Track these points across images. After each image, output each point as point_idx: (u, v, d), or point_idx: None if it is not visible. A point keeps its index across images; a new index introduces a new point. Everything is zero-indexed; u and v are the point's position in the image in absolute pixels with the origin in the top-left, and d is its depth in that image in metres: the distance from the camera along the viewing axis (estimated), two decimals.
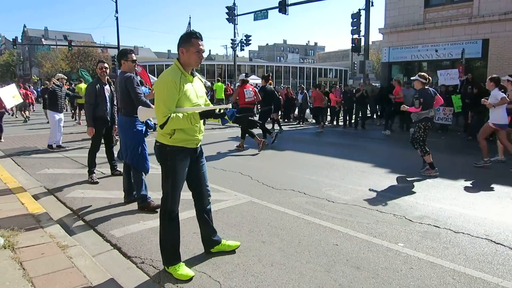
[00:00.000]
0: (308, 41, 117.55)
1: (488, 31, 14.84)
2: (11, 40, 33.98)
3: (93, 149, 6.22)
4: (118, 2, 29.98)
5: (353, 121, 15.63)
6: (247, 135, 9.39)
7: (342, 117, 16.41)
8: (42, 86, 23.64)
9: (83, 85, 15.70)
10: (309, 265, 3.36)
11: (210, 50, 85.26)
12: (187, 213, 4.42)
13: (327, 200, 5.24)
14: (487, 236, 4.00)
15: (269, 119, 12.42)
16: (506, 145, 7.38)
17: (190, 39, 2.97)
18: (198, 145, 3.21)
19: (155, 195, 5.16)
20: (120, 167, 6.51)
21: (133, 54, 4.91)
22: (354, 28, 19.33)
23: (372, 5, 18.77)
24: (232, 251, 3.57)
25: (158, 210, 4.67)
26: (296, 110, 18.53)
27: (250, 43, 28.89)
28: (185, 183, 3.26)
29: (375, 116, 17.52)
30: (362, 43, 19.38)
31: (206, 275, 3.18)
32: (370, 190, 5.81)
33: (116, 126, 5.87)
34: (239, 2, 26.09)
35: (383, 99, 14.61)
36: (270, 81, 11.19)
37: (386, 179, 6.56)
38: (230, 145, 10.10)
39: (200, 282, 3.07)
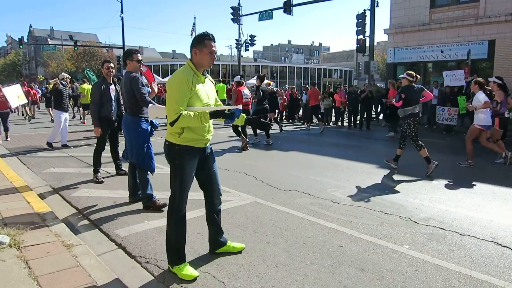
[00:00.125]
0: (313, 42, 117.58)
1: (494, 32, 14.75)
2: (17, 39, 34.17)
3: (99, 149, 6.25)
4: (123, 2, 30.12)
5: (357, 122, 15.59)
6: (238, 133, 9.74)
7: (346, 118, 16.38)
8: (47, 85, 23.73)
9: (86, 86, 15.79)
10: (313, 266, 3.35)
11: None
12: (192, 213, 4.43)
13: (331, 201, 5.23)
14: (493, 239, 3.97)
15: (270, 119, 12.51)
16: (487, 145, 7.76)
17: (203, 40, 3.01)
18: (207, 145, 3.23)
19: (160, 195, 5.18)
20: (125, 166, 6.55)
21: (138, 54, 4.91)
22: (359, 28, 19.29)
23: (377, 5, 18.75)
24: (237, 252, 3.57)
25: (164, 209, 4.74)
26: (301, 110, 18.52)
27: (255, 44, 28.93)
28: (195, 183, 3.27)
29: (380, 117, 17.47)
30: (367, 44, 19.33)
31: (211, 275, 3.17)
32: (375, 191, 5.79)
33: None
34: (244, 2, 26.22)
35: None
36: (269, 82, 11.45)
37: (391, 180, 6.53)
38: (234, 145, 10.10)
39: (205, 282, 3.07)
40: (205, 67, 3.11)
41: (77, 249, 3.49)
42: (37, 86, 28.30)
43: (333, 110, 16.92)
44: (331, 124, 16.92)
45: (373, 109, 16.96)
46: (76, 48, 39.46)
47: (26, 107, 18.08)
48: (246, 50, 30.10)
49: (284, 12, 22.62)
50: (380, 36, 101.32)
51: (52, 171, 7.00)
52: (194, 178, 3.26)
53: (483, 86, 7.64)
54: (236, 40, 29.19)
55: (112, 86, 6.16)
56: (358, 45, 19.57)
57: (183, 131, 2.99)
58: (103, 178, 6.27)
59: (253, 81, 29.08)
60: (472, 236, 4.04)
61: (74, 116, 18.21)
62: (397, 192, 5.77)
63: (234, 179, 6.43)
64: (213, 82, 3.36)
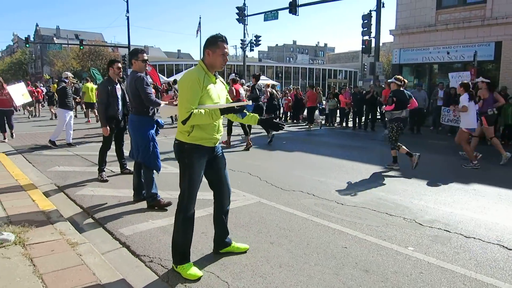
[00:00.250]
0: (318, 42, 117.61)
1: (501, 33, 14.63)
2: (24, 38, 34.39)
3: (105, 148, 6.28)
4: (129, 1, 30.23)
5: (362, 122, 15.55)
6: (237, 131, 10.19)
7: (351, 119, 16.33)
8: (49, 86, 23.91)
9: (89, 84, 15.87)
10: (317, 267, 3.34)
11: None
12: (196, 213, 4.34)
13: (336, 202, 5.21)
14: (498, 242, 3.94)
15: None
16: (465, 147, 7.98)
17: (217, 42, 3.04)
18: (216, 144, 3.25)
19: (164, 194, 5.19)
20: (129, 165, 6.57)
21: (144, 54, 4.92)
22: (364, 29, 19.22)
23: (383, 6, 18.66)
24: (241, 253, 3.57)
25: (168, 208, 4.75)
26: (305, 111, 18.48)
27: (260, 44, 28.95)
28: (205, 184, 3.29)
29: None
30: (373, 45, 19.26)
31: (215, 275, 3.17)
32: (379, 192, 5.76)
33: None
34: (249, 2, 26.20)
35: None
36: (268, 84, 11.85)
37: (396, 181, 6.51)
38: (238, 145, 10.10)
39: (208, 282, 3.07)
40: (217, 68, 3.14)
41: (81, 247, 3.50)
42: (42, 85, 28.46)
43: (338, 111, 16.89)
44: (335, 124, 16.90)
45: (378, 110, 16.90)
46: (82, 47, 39.61)
47: (27, 106, 18.17)
48: (251, 50, 30.13)
49: (290, 12, 22.60)
50: (386, 37, 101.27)
51: (57, 169, 7.03)
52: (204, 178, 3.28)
53: (469, 89, 7.93)
54: (241, 40, 29.18)
55: (118, 86, 6.19)
56: (364, 46, 19.51)
57: (192, 130, 3.01)
58: (107, 177, 6.29)
59: (261, 82, 29.13)
60: (478, 239, 4.01)
61: (76, 116, 18.31)
62: (402, 193, 5.74)
63: (238, 179, 6.43)
64: (224, 83, 3.39)
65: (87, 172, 6.78)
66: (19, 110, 17.99)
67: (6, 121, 10.57)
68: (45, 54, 66.62)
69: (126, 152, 6.71)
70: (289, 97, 18.52)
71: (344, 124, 16.50)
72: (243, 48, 30.05)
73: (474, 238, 4.04)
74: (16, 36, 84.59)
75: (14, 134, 10.74)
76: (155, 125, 5.01)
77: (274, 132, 10.49)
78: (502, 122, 10.83)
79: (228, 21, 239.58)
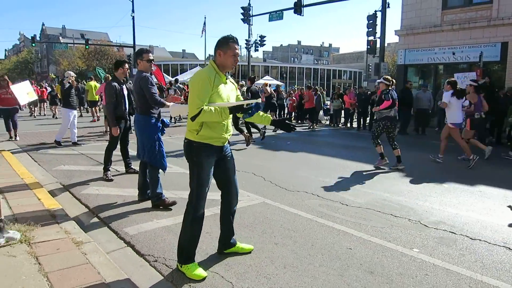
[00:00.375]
0: (323, 42, 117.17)
1: (508, 34, 14.53)
2: (30, 37, 34.59)
3: (111, 147, 6.30)
4: (134, 1, 30.32)
5: (367, 123, 15.49)
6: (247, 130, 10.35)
7: (356, 119, 16.28)
8: (55, 85, 24.04)
9: (93, 83, 15.93)
10: (322, 268, 3.33)
11: None
12: None
13: (340, 203, 5.20)
14: (505, 244, 3.91)
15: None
16: (460, 143, 8.14)
17: (228, 42, 3.08)
18: (225, 144, 3.26)
19: (169, 193, 5.20)
20: (134, 165, 6.59)
21: (149, 54, 4.92)
22: (369, 29, 19.16)
23: (388, 6, 18.58)
24: (245, 253, 3.57)
25: (173, 207, 4.76)
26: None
27: (265, 44, 28.92)
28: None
29: None
30: (378, 45, 19.20)
31: (219, 275, 3.17)
32: (384, 193, 5.74)
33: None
34: (254, 2, 26.19)
35: (399, 102, 14.46)
36: (266, 83, 12.05)
37: (401, 183, 6.48)
38: (242, 145, 10.10)
39: (213, 282, 3.07)
40: (228, 69, 3.18)
41: (86, 246, 3.51)
42: (47, 84, 28.61)
43: (343, 111, 16.85)
44: (340, 125, 16.85)
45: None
46: (87, 47, 39.78)
47: (31, 105, 18.26)
48: (256, 50, 30.14)
49: (295, 12, 22.57)
50: (391, 38, 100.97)
51: (63, 168, 7.06)
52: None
53: (455, 87, 8.18)
54: (246, 40, 29.19)
55: (124, 86, 6.22)
56: (369, 46, 19.44)
57: (201, 129, 3.03)
58: (112, 176, 6.31)
59: (263, 81, 29.07)
60: (483, 241, 3.99)
61: (81, 115, 18.41)
62: (407, 195, 5.72)
63: (242, 179, 6.42)
64: (235, 84, 3.40)
65: (92, 171, 6.81)
66: (24, 109, 18.12)
67: (10, 120, 10.50)
68: (51, 54, 67.00)
69: (131, 152, 6.74)
70: (294, 98, 18.50)
71: (348, 125, 16.46)
72: (248, 48, 30.04)
73: (480, 240, 4.01)
74: (22, 35, 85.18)
75: (18, 136, 10.52)
76: (161, 125, 5.01)
77: (270, 132, 10.69)
78: (508, 123, 10.75)
79: (233, 21, 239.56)
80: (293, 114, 19.04)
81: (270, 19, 24.96)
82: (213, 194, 3.80)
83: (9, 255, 3.27)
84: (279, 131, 13.31)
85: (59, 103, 18.10)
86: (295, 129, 3.45)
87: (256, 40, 28.74)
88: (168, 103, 5.06)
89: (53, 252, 3.37)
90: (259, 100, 3.13)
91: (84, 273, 3.01)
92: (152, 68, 5.77)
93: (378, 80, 8.10)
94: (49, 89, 24.03)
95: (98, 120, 15.78)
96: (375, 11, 18.93)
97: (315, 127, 15.53)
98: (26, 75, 63.31)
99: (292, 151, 9.70)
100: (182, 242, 3.18)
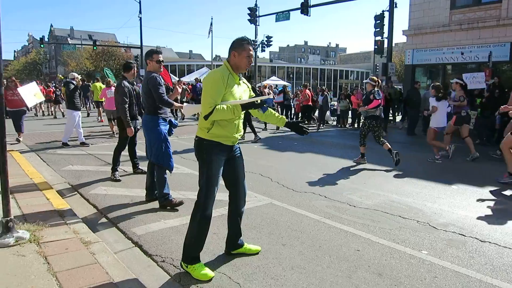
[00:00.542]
0: (330, 43, 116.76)
1: None
2: (39, 39, 34.86)
3: (120, 147, 6.34)
4: (141, 2, 30.46)
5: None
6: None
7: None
8: (61, 87, 24.27)
9: (98, 84, 16.07)
10: (329, 270, 3.32)
11: None
12: None
13: (348, 204, 5.17)
14: None
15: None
16: (431, 143, 8.55)
17: (243, 44, 3.13)
18: (235, 144, 3.28)
19: (176, 194, 5.22)
20: (141, 165, 6.62)
21: (159, 55, 4.94)
22: (377, 30, 19.04)
23: (396, 6, 18.47)
24: (252, 254, 3.56)
25: (179, 208, 4.77)
26: (316, 111, 18.38)
27: (271, 44, 28.88)
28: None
29: (397, 120, 17.25)
30: (385, 45, 19.09)
31: (226, 276, 3.17)
32: (392, 195, 5.70)
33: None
34: (260, 3, 26.17)
35: (406, 103, 14.42)
36: (266, 85, 12.59)
37: (409, 184, 6.43)
38: (249, 146, 10.10)
39: (220, 283, 3.07)
40: (242, 70, 3.21)
41: (94, 246, 3.53)
42: (54, 85, 28.87)
43: (350, 112, 16.78)
44: (347, 126, 16.78)
45: (391, 111, 16.76)
46: (95, 48, 40.08)
47: (38, 105, 18.46)
48: (263, 51, 30.09)
49: (301, 13, 22.52)
50: (398, 38, 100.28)
51: (71, 168, 7.11)
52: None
53: (440, 91, 8.47)
54: (253, 40, 29.17)
55: (134, 86, 6.28)
56: (376, 47, 19.33)
57: (212, 127, 3.06)
58: (120, 176, 6.34)
59: (270, 81, 28.96)
60: (493, 243, 3.94)
61: (88, 114, 18.58)
62: (415, 196, 5.67)
63: (249, 180, 6.39)
64: (248, 85, 3.42)
65: (100, 171, 6.85)
66: (31, 110, 18.27)
67: (16, 122, 10.46)
68: (59, 54, 67.53)
69: (139, 152, 6.77)
70: (301, 97, 18.44)
71: (356, 125, 16.38)
72: (255, 49, 30.02)
73: (489, 242, 3.97)
74: (31, 37, 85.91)
75: (21, 139, 10.30)
76: (169, 125, 5.03)
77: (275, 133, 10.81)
78: None
79: (239, 22, 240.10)
80: (300, 114, 18.98)
81: (277, 20, 24.93)
82: (221, 195, 3.79)
83: (18, 254, 3.30)
84: (278, 132, 13.28)
85: (61, 103, 18.35)
86: (308, 132, 3.49)
87: (262, 40, 28.71)
88: (176, 104, 5.08)
89: (61, 251, 3.39)
90: (271, 96, 3.15)
91: (93, 273, 3.02)
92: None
93: (364, 81, 8.41)
94: (55, 89, 24.27)
95: (103, 121, 15.92)
96: (383, 11, 18.82)
97: (321, 127, 15.47)
98: (34, 76, 63.89)
99: (299, 151, 9.69)
100: (188, 241, 3.17)
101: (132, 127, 6.02)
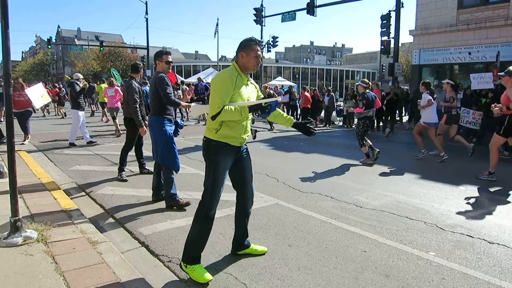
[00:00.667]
0: (336, 43, 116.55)
1: None
2: (46, 40, 35.15)
3: (127, 148, 6.38)
4: (147, 3, 30.60)
5: (381, 124, 15.34)
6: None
7: None
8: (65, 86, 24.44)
9: (104, 85, 16.20)
10: (336, 271, 3.30)
11: None
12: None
13: (354, 205, 5.15)
14: None
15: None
16: (434, 140, 8.55)
17: (251, 44, 3.16)
18: (243, 145, 3.28)
19: (182, 194, 5.23)
20: (148, 165, 6.65)
21: (168, 56, 4.96)
22: (383, 30, 18.99)
23: (403, 6, 18.39)
24: (259, 255, 3.56)
25: (187, 208, 4.78)
26: (322, 112, 18.36)
27: (277, 45, 28.87)
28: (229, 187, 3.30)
29: (404, 120, 17.16)
30: (392, 45, 19.01)
31: (233, 276, 3.17)
32: (399, 196, 5.67)
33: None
34: (266, 3, 26.16)
35: (413, 103, 14.32)
36: (266, 85, 12.54)
37: (416, 185, 6.39)
38: (254, 146, 10.10)
39: (226, 283, 3.07)
40: (250, 70, 3.21)
41: (101, 246, 3.55)
42: (61, 85, 29.08)
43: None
44: (353, 126, 16.72)
45: (397, 112, 16.68)
46: (102, 49, 40.35)
47: (44, 105, 18.62)
48: (269, 51, 30.09)
49: (307, 13, 22.51)
50: (405, 37, 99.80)
51: (78, 168, 7.16)
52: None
53: (429, 87, 8.65)
54: (259, 41, 29.15)
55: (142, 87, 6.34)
56: (383, 47, 19.26)
57: (220, 128, 3.06)
58: (127, 176, 6.37)
59: (275, 82, 28.95)
60: (502, 245, 3.90)
61: (92, 114, 18.74)
62: (423, 197, 5.63)
63: (256, 180, 6.34)
64: (256, 85, 3.42)
65: (107, 171, 6.89)
66: (38, 111, 18.41)
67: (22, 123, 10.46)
68: (66, 55, 68.04)
69: (146, 153, 6.79)
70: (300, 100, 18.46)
71: None
72: (261, 49, 30.02)
73: (498, 244, 3.93)
74: (38, 38, 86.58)
75: (27, 140, 10.19)
76: (175, 126, 5.04)
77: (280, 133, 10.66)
78: None
79: (245, 23, 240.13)
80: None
81: (283, 20, 24.94)
82: (227, 195, 3.81)
83: (26, 254, 3.33)
84: (278, 132, 13.27)
85: (64, 105, 18.53)
86: (315, 133, 3.49)
87: (268, 41, 28.71)
88: (183, 103, 5.09)
89: (69, 251, 3.41)
90: (279, 99, 3.15)
91: (100, 273, 3.04)
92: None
93: (356, 83, 8.66)
94: (63, 90, 24.45)
95: (108, 121, 16.07)
96: (389, 11, 18.76)
97: (323, 126, 15.44)
98: (42, 76, 64.44)
99: (305, 152, 9.67)
100: (190, 241, 3.15)
101: (144, 127, 6.04)
